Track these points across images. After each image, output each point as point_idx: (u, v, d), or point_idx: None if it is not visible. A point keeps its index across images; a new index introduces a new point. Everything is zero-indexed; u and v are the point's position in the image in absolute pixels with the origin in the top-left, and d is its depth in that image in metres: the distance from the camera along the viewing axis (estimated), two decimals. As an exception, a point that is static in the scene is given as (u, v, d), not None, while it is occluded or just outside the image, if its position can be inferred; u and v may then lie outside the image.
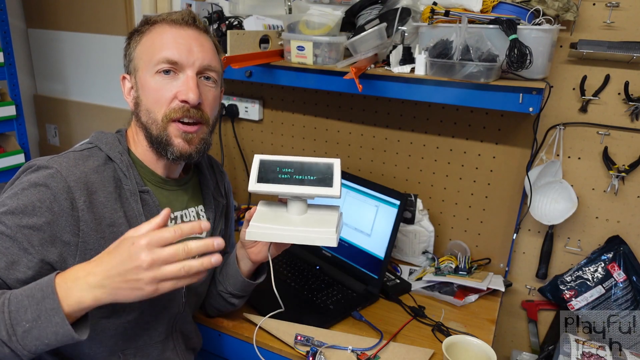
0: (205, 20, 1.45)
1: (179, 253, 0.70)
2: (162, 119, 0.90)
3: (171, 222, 1.00)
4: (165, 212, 0.73)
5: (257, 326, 1.11)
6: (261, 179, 0.89)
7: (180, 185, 1.03)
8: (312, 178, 0.88)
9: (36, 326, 0.69)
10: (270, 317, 1.10)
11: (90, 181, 0.86)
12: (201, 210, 1.07)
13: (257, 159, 0.90)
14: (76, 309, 0.71)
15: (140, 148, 0.97)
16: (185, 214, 1.04)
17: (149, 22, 0.94)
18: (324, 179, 0.88)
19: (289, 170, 0.89)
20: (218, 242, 0.72)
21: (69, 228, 0.83)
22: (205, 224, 0.73)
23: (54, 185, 0.82)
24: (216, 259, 0.72)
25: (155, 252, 0.69)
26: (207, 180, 1.09)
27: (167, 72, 0.90)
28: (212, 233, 1.06)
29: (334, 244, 0.89)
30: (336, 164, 0.89)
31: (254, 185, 0.89)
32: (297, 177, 0.88)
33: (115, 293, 0.71)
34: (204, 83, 0.94)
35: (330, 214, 0.93)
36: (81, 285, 0.71)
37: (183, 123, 0.91)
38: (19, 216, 0.80)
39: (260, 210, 0.94)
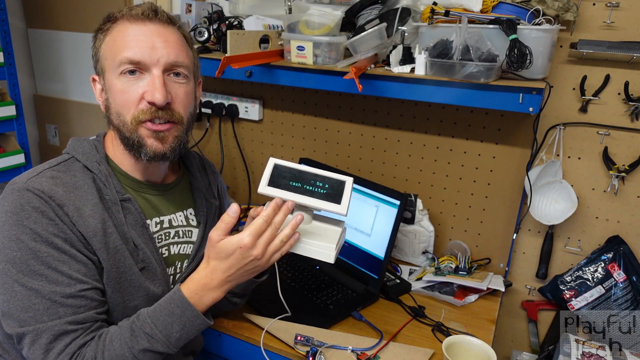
0: (178, 15, 1.39)
1: (273, 232, 0.86)
2: (131, 121, 0.87)
3: (157, 226, 0.98)
4: (234, 208, 0.86)
5: (264, 330, 1.11)
6: (272, 182, 0.88)
7: (167, 190, 1.02)
8: (322, 192, 0.88)
9: (184, 332, 0.86)
10: (272, 318, 1.10)
11: (71, 199, 0.84)
12: (190, 214, 1.06)
13: (271, 162, 0.90)
14: (210, 305, 0.88)
15: (118, 152, 0.94)
16: (173, 218, 1.02)
17: (110, 19, 0.90)
18: (334, 195, 0.88)
19: (301, 179, 0.89)
20: (289, 204, 0.87)
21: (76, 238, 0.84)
22: (278, 200, 0.87)
23: (46, 208, 0.81)
24: (300, 217, 0.87)
25: (259, 243, 0.85)
26: (198, 182, 1.08)
27: (132, 72, 0.86)
28: (203, 235, 1.05)
29: (331, 261, 0.89)
30: (348, 182, 0.89)
31: (264, 188, 0.88)
32: (307, 187, 0.88)
33: (238, 281, 0.89)
34: (173, 80, 0.90)
35: (334, 229, 0.92)
36: (211, 289, 0.87)
37: (153, 123, 0.88)
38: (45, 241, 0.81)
39: None
